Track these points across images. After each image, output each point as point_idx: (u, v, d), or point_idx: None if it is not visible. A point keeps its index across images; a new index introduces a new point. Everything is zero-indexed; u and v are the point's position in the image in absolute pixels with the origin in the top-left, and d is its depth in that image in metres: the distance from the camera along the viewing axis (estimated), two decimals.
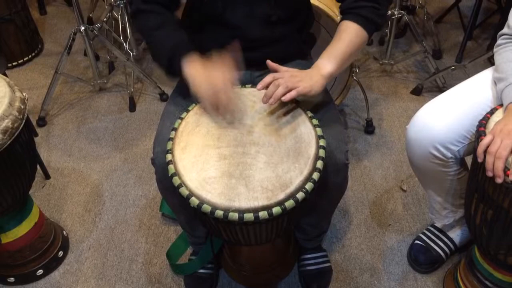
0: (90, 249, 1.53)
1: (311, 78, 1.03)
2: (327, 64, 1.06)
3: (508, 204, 0.96)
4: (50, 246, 1.45)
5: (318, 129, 1.02)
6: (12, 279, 1.42)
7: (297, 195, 0.91)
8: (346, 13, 1.12)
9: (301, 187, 0.93)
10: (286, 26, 1.18)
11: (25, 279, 1.43)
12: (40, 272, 1.44)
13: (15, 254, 1.38)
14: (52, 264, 1.47)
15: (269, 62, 1.06)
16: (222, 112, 1.05)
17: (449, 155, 1.14)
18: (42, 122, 2.03)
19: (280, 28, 1.17)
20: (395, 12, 2.01)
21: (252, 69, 1.21)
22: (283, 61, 1.22)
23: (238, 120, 1.06)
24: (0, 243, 1.33)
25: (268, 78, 1.01)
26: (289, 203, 0.90)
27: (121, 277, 1.45)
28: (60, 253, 1.49)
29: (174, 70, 1.10)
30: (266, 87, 1.01)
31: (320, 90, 1.04)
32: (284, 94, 0.99)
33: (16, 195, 1.27)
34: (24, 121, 1.18)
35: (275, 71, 1.05)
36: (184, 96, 1.20)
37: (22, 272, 1.42)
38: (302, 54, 1.28)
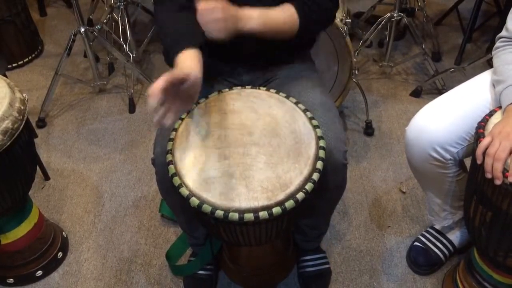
0: (90, 250, 1.53)
1: (233, 21, 1.00)
2: (255, 21, 1.03)
3: (507, 206, 0.97)
4: (49, 247, 1.45)
5: (318, 130, 1.03)
6: (11, 280, 1.42)
7: (297, 196, 0.92)
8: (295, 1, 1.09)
9: (301, 188, 0.93)
10: None
11: (24, 280, 1.43)
12: (39, 273, 1.44)
13: (14, 255, 1.38)
14: (52, 265, 1.47)
15: None
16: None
17: (448, 157, 1.14)
18: (42, 123, 2.03)
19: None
20: (395, 15, 2.01)
21: (254, 67, 1.21)
22: (284, 62, 1.22)
23: (237, 121, 1.06)
24: None
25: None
26: (289, 203, 0.91)
27: (120, 278, 1.45)
28: (60, 254, 1.49)
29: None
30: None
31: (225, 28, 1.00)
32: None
33: (15, 196, 1.27)
34: (24, 122, 1.18)
35: None
36: None
37: (21, 273, 1.42)
38: (302, 55, 1.28)
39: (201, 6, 0.99)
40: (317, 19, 1.12)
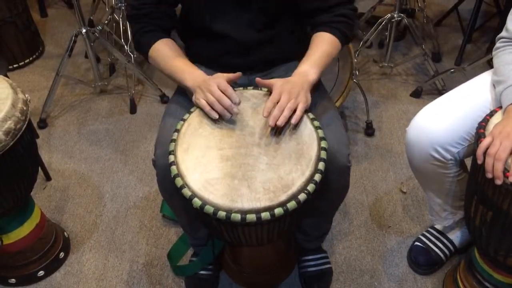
0: (91, 250, 1.54)
1: (303, 88, 1.05)
2: (311, 71, 1.09)
3: (507, 206, 0.97)
4: (51, 248, 1.46)
5: (320, 131, 1.03)
6: (13, 280, 1.43)
7: (299, 196, 0.92)
8: (322, 26, 1.15)
9: (303, 189, 0.93)
10: (275, 29, 1.19)
11: (26, 280, 1.43)
12: (41, 273, 1.44)
13: (16, 255, 1.39)
14: (53, 266, 1.47)
15: (258, 80, 1.08)
16: (217, 107, 1.03)
17: (449, 157, 1.15)
18: (43, 124, 2.04)
19: (269, 31, 1.18)
20: (395, 15, 2.02)
21: (249, 73, 1.22)
22: (279, 63, 1.23)
23: (240, 122, 1.07)
24: (1, 244, 1.33)
25: (269, 104, 1.02)
26: (291, 204, 0.91)
27: (122, 278, 1.45)
28: (61, 255, 1.49)
29: None
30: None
31: (310, 98, 1.07)
32: (290, 116, 1.01)
33: (17, 196, 1.27)
34: (26, 122, 1.19)
35: (265, 85, 1.08)
36: (185, 98, 1.21)
37: (23, 273, 1.42)
38: (298, 55, 1.29)
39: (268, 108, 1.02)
40: (351, 26, 1.16)
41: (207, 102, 1.04)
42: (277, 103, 1.01)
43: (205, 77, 1.09)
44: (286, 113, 1.00)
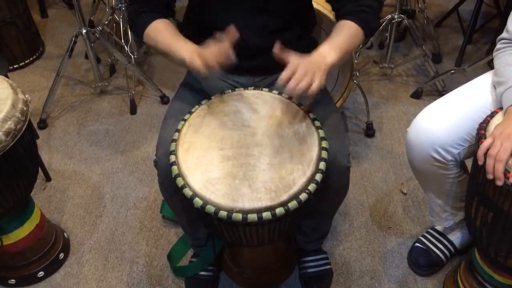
0: (91, 251, 1.54)
1: (320, 68, 1.01)
2: (331, 52, 1.05)
3: (508, 207, 0.97)
4: (51, 248, 1.45)
5: (321, 131, 1.03)
6: (13, 281, 1.42)
7: (300, 196, 0.92)
8: (346, 15, 1.13)
9: (304, 188, 0.93)
10: (284, 34, 1.18)
11: (26, 281, 1.43)
12: (41, 274, 1.44)
13: (16, 256, 1.38)
14: (53, 266, 1.47)
15: (276, 52, 1.02)
16: (211, 63, 1.01)
17: (449, 157, 1.15)
18: (43, 124, 2.03)
19: (279, 36, 1.18)
20: (395, 16, 2.02)
21: (253, 76, 1.22)
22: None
23: (240, 122, 1.07)
24: (1, 244, 1.33)
25: (285, 74, 0.98)
26: (292, 204, 0.91)
27: (122, 279, 1.45)
28: (61, 255, 1.49)
29: None
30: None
31: (325, 80, 1.04)
32: (307, 88, 0.97)
33: (17, 196, 1.27)
34: (26, 123, 1.19)
35: (283, 59, 1.03)
36: (186, 99, 1.21)
37: (23, 274, 1.42)
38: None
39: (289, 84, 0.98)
40: (375, 18, 1.15)
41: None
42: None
43: (197, 48, 1.07)
44: (303, 84, 0.96)
